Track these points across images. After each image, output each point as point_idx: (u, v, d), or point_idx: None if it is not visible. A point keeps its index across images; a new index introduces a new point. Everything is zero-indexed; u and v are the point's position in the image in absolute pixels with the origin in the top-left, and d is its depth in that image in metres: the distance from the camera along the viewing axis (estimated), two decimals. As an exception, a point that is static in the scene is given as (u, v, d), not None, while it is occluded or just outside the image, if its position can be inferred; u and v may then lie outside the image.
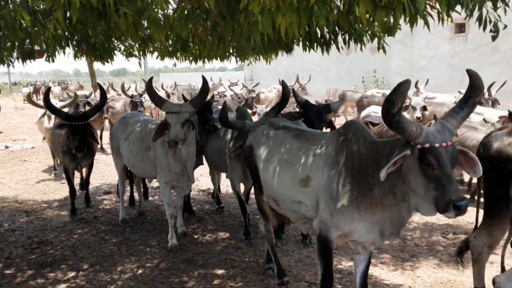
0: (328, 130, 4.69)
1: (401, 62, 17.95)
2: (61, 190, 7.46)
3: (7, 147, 11.82)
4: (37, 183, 8.02)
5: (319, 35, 4.31)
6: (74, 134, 5.18)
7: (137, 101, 10.83)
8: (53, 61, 5.68)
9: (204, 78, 4.57)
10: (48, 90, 5.44)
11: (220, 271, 4.29)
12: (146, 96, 13.96)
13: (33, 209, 6.36)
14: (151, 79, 5.08)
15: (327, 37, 4.38)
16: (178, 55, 5.39)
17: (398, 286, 4.01)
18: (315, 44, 4.34)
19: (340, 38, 4.46)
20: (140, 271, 4.30)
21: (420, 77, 16.86)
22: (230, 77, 27.90)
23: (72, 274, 4.27)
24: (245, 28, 2.99)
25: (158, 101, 4.37)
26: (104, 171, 8.91)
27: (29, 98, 7.16)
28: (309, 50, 4.49)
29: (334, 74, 20.63)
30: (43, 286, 4.05)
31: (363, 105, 11.94)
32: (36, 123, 8.44)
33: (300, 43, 4.64)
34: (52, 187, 7.69)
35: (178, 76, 52.42)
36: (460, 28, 16.49)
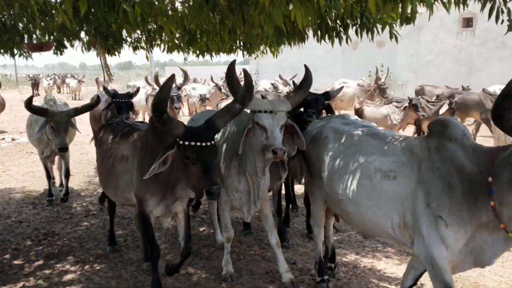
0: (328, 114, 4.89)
1: (408, 56, 17.88)
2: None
3: (13, 140, 11.87)
4: (43, 175, 8.03)
5: (330, 26, 4.27)
6: None
7: (174, 95, 8.83)
8: (61, 53, 5.70)
9: (306, 68, 3.69)
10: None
11: (225, 264, 4.30)
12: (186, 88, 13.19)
13: (40, 201, 6.40)
14: (233, 62, 3.51)
15: (338, 28, 4.34)
16: (185, 49, 5.38)
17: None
18: (327, 35, 4.29)
19: (351, 30, 4.42)
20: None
21: (426, 71, 16.81)
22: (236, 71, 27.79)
23: (79, 265, 4.30)
24: (256, 19, 2.98)
25: (246, 93, 3.12)
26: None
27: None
28: (320, 41, 4.45)
29: (340, 68, 20.58)
30: (50, 277, 4.08)
31: (456, 104, 10.25)
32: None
33: (311, 33, 4.62)
34: (58, 179, 7.72)
35: (184, 69, 52.50)
36: (468, 22, 16.39)
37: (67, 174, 6.45)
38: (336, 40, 4.50)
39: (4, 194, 6.77)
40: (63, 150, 5.18)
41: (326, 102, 4.83)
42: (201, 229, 5.25)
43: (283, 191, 5.46)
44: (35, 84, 29.98)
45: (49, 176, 6.47)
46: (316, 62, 19.26)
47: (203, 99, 12.48)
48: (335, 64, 20.45)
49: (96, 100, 5.29)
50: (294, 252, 4.58)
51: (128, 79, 33.47)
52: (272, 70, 21.44)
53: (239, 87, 3.29)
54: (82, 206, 6.09)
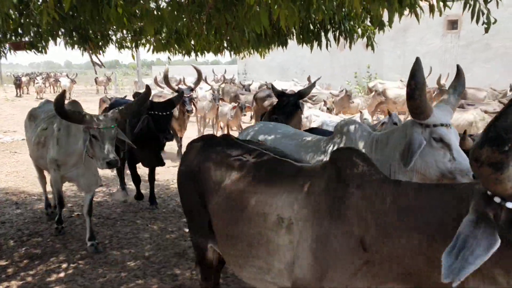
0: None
1: (394, 58, 18.05)
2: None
3: (-3, 139, 11.71)
4: (28, 175, 7.95)
5: (312, 28, 4.32)
6: None
7: (186, 96, 7.75)
8: (45, 52, 5.63)
9: (459, 68, 2.94)
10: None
11: (211, 265, 4.29)
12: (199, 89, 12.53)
13: (24, 201, 6.31)
14: None
15: (318, 32, 4.39)
16: (171, 48, 5.35)
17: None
18: (309, 38, 4.34)
19: (330, 35, 4.47)
20: (131, 264, 4.29)
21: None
22: (223, 71, 27.60)
23: (64, 266, 4.25)
24: (241, 20, 2.97)
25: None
26: (96, 163, 8.84)
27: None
28: (303, 44, 4.48)
29: (328, 69, 20.68)
30: (33, 278, 4.02)
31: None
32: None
33: (294, 37, 4.64)
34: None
35: (171, 69, 52.16)
36: (453, 24, 16.60)
37: (90, 211, 4.74)
38: (316, 45, 4.56)
39: (-14, 195, 6.66)
40: (114, 164, 3.97)
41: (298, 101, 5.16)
42: (187, 230, 5.22)
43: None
44: (19, 84, 27.48)
45: (62, 204, 4.94)
46: (304, 62, 19.35)
47: (243, 106, 10.17)
48: (322, 65, 20.54)
49: (147, 94, 4.51)
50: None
51: (115, 78, 33.06)
52: (260, 70, 21.48)
53: None
54: (66, 207, 6.01)
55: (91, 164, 4.41)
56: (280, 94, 5.20)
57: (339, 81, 18.34)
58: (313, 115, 7.86)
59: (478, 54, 15.54)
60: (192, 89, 7.99)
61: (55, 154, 4.46)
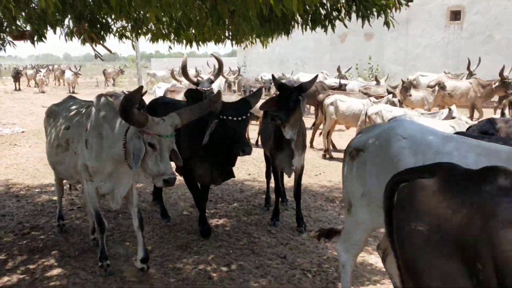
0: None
1: (396, 50, 17.91)
2: (52, 175, 7.27)
3: (-4, 131, 11.62)
4: (28, 167, 7.88)
5: (322, 12, 4.15)
6: None
7: (206, 89, 6.49)
8: (45, 38, 5.51)
9: None
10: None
11: (214, 258, 4.24)
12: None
13: (24, 194, 6.24)
14: None
15: (328, 14, 4.23)
16: (172, 38, 5.24)
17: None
18: (318, 22, 4.18)
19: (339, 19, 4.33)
20: (134, 258, 4.23)
21: (414, 64, 16.86)
22: (224, 63, 27.30)
23: (64, 260, 4.19)
24: (241, 6, 2.87)
25: None
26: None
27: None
28: (312, 30, 4.34)
29: (329, 61, 20.53)
30: (34, 272, 3.96)
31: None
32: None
33: (299, 26, 4.53)
34: (43, 172, 7.56)
35: (171, 61, 51.88)
36: (456, 15, 16.45)
37: (142, 225, 4.01)
38: (325, 30, 4.43)
39: (-14, 187, 6.60)
40: (171, 183, 3.27)
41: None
42: (190, 223, 5.16)
43: (271, 185, 5.40)
44: (17, 77, 26.48)
45: (103, 226, 3.88)
46: (305, 53, 19.21)
47: None
48: (323, 56, 20.39)
49: (218, 96, 3.93)
50: (284, 246, 4.52)
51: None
52: (260, 62, 21.33)
53: None
54: (67, 200, 5.95)
55: (130, 172, 3.62)
56: (281, 86, 4.67)
57: (432, 73, 18.06)
58: (384, 110, 7.23)
59: (480, 46, 15.42)
60: (212, 81, 6.75)
61: (86, 159, 3.62)
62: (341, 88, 10.69)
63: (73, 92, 22.99)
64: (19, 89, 26.02)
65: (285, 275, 3.87)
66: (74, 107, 4.25)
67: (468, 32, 15.86)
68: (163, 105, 5.08)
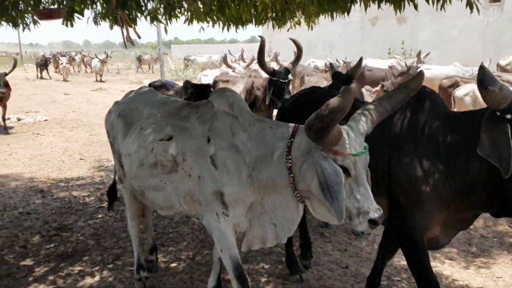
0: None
1: (431, 33, 17.02)
2: (78, 167, 6.94)
3: (19, 119, 11.31)
4: (52, 159, 7.49)
5: None
6: None
7: (283, 81, 5.05)
8: (71, 25, 5.04)
9: None
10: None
11: (265, 267, 3.73)
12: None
13: (49, 189, 5.82)
14: None
15: None
16: (213, 17, 4.70)
17: (478, 290, 3.42)
18: None
19: None
20: (174, 265, 3.75)
21: (450, 49, 16.02)
22: (244, 48, 26.48)
23: (97, 267, 3.73)
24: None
25: None
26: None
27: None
28: (378, 7, 3.75)
29: (358, 46, 19.70)
30: (65, 281, 3.52)
31: None
32: None
33: (361, 4, 3.93)
34: (68, 164, 7.17)
35: (190, 47, 51.44)
36: (496, -4, 15.51)
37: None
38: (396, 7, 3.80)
39: (10, 181, 6.21)
40: (379, 223, 2.10)
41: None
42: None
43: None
44: (44, 64, 24.68)
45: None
46: (333, 39, 18.46)
47: None
48: (352, 41, 19.56)
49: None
50: (342, 253, 3.99)
51: (134, 58, 32.51)
52: (286, 47, 20.56)
53: None
54: (96, 196, 5.51)
55: (289, 197, 2.33)
56: (335, 75, 4.45)
57: (370, 58, 17.44)
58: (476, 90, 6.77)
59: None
60: (289, 72, 5.26)
61: (220, 183, 2.40)
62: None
63: (101, 81, 22.69)
64: (41, 77, 25.02)
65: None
66: (163, 103, 2.97)
67: (509, 14, 14.90)
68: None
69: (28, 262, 3.84)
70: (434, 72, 10.85)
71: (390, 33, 17.04)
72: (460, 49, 14.72)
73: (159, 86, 6.22)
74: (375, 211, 2.03)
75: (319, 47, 19.37)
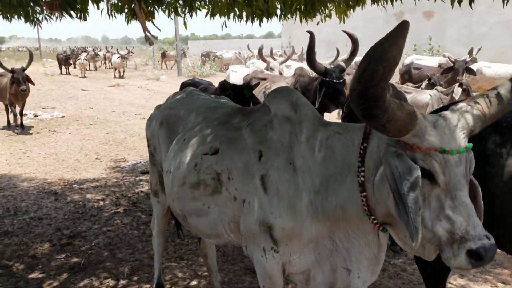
0: None
1: (460, 29, 16.33)
2: (93, 168, 6.66)
3: (36, 116, 11.14)
4: (67, 158, 7.23)
5: None
6: None
7: (337, 82, 4.54)
8: (85, 19, 4.73)
9: None
10: None
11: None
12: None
13: (63, 191, 5.54)
14: None
15: None
16: (238, 9, 4.34)
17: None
18: None
19: None
20: (194, 283, 3.41)
21: (480, 45, 15.35)
22: (259, 44, 25.74)
23: (112, 283, 3.41)
24: None
25: None
26: (139, 145, 8.05)
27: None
28: None
29: (381, 42, 19.04)
30: (75, 299, 3.21)
31: None
32: None
33: None
34: (84, 163, 6.90)
35: (207, 43, 51.24)
36: (529, -10, 14.79)
37: None
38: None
39: (23, 181, 5.96)
40: (488, 256, 1.41)
41: None
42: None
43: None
44: (67, 60, 23.91)
45: None
46: (355, 34, 17.86)
47: None
48: (376, 37, 18.72)
49: None
50: (381, 273, 3.59)
51: (152, 53, 32.39)
52: (306, 43, 20.14)
53: None
54: (111, 200, 5.21)
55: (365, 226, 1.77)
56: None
57: (417, 55, 16.78)
58: None
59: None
60: (343, 70, 4.67)
61: (267, 212, 1.87)
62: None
63: (121, 77, 22.49)
64: (68, 73, 24.56)
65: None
66: (210, 108, 2.50)
67: (543, 8, 14.23)
68: None
69: (37, 274, 3.55)
70: (497, 70, 9.72)
71: (416, 28, 16.39)
72: (491, 45, 14.04)
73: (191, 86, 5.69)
74: (479, 238, 1.36)
75: (340, 43, 18.83)
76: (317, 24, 5.22)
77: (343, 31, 4.77)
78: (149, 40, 4.29)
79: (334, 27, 17.32)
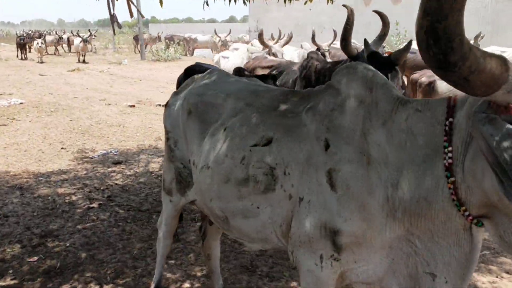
0: None
1: (427, 14, 16.49)
2: (59, 158, 6.19)
3: (-11, 103, 10.37)
4: (30, 148, 6.71)
5: None
6: None
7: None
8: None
9: None
10: None
11: (296, 286, 3.15)
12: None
13: (29, 185, 5.09)
14: None
15: None
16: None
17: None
18: None
19: None
20: (187, 285, 3.13)
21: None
22: (222, 29, 25.23)
23: (94, 287, 3.08)
24: None
25: None
26: (108, 133, 7.59)
27: None
28: None
29: (349, 26, 19.01)
30: (53, 308, 2.87)
31: None
32: None
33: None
34: (48, 154, 6.41)
35: (168, 26, 49.92)
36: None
37: None
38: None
39: (-18, 175, 5.45)
40: None
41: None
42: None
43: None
44: (23, 44, 23.29)
45: None
46: (323, 19, 17.74)
47: None
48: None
49: None
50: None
51: (112, 37, 31.18)
52: (274, 28, 19.81)
53: None
54: (83, 194, 4.81)
55: (454, 222, 1.44)
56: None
57: (362, 39, 16.81)
58: None
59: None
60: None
61: (332, 213, 1.59)
62: None
63: (84, 62, 21.44)
64: (25, 58, 23.38)
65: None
66: (252, 92, 2.14)
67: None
68: None
69: (8, 281, 3.17)
70: None
71: (384, 13, 16.46)
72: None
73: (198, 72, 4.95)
74: None
75: (308, 28, 18.65)
76: (284, 3, 4.93)
77: (374, 11, 4.47)
78: (118, 25, 3.90)
79: (302, 12, 17.10)
